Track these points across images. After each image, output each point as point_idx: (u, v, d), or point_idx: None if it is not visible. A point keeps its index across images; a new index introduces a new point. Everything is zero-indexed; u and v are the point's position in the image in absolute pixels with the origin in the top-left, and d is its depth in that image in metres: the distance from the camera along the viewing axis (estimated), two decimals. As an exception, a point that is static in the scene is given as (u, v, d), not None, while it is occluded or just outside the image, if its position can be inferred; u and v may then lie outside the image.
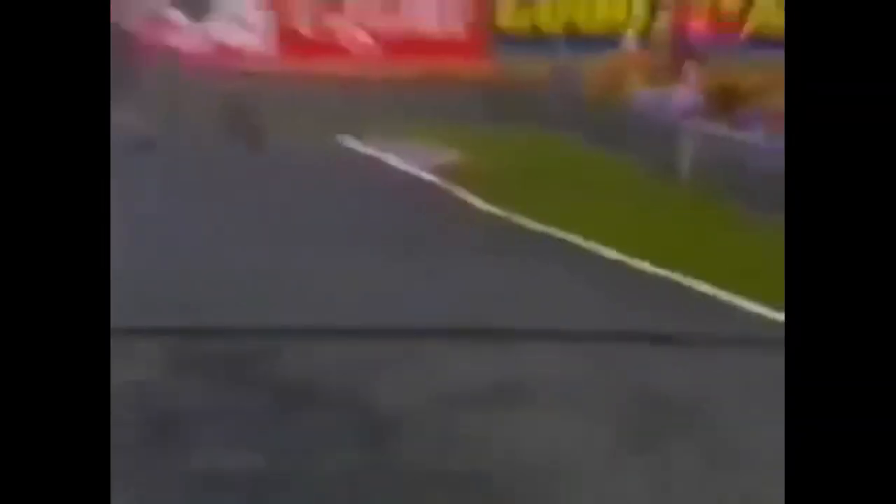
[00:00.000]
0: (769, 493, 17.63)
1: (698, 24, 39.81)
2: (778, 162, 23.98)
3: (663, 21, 39.80)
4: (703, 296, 26.91)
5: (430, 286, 27.61)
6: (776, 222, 24.25)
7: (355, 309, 25.40)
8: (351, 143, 38.82)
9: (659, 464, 18.73)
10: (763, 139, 36.80)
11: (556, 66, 40.75)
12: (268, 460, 18.96)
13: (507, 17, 41.92)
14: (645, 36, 40.49)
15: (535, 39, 42.42)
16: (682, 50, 37.81)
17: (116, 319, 15.71)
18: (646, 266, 28.70)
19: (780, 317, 24.38)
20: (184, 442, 19.36)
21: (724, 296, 26.61)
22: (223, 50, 41.79)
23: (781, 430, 14.84)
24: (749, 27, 39.77)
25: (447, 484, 18.10)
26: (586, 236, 30.58)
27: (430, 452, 19.12)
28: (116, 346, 16.17)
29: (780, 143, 28.20)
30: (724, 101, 35.80)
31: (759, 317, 25.10)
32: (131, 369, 21.85)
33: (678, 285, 27.57)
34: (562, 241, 30.71)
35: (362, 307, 25.58)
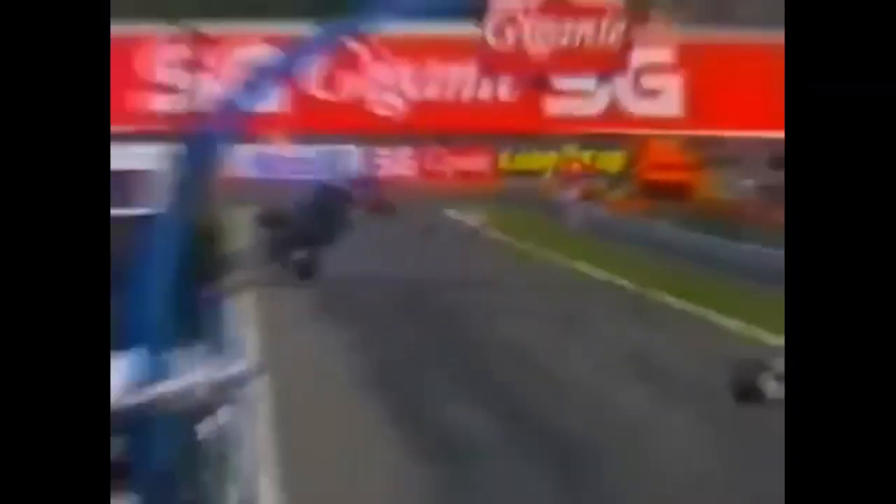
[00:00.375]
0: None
1: (573, 170, 39.54)
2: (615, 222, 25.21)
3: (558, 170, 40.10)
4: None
5: (474, 263, 27.69)
6: (622, 248, 28.69)
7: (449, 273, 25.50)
8: (449, 213, 38.35)
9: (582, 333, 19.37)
10: (607, 212, 36.43)
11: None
12: (416, 333, 19.57)
13: (504, 163, 40.92)
14: (557, 173, 40.15)
15: (515, 172, 41.76)
16: (570, 181, 37.71)
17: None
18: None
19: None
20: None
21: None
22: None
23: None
24: (595, 169, 39.82)
25: (488, 343, 18.78)
26: (538, 247, 30.63)
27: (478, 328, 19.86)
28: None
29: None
30: (587, 197, 35.56)
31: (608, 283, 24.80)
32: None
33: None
34: (522, 250, 30.90)
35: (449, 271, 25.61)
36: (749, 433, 13.21)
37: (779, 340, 15.94)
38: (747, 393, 13.41)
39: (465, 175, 40.36)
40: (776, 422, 10.10)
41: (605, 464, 12.99)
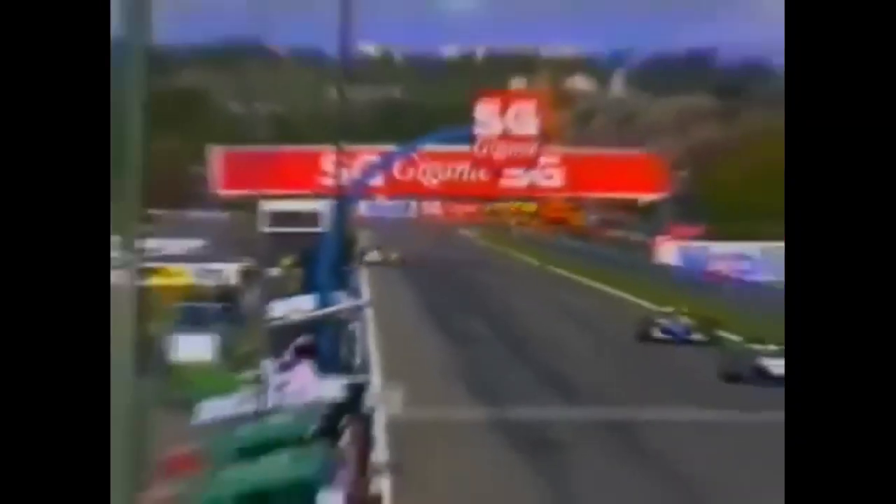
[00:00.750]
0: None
1: (515, 212, 36.10)
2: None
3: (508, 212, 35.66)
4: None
5: (478, 253, 26.27)
6: (541, 249, 25.00)
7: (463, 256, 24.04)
8: (463, 232, 34.62)
9: (529, 289, 17.96)
10: (533, 232, 31.49)
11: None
12: (447, 288, 18.01)
13: (485, 208, 39.04)
14: (508, 213, 37.03)
15: (490, 213, 39.28)
16: (513, 216, 34.72)
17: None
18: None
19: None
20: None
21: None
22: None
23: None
24: (524, 212, 36.81)
25: (484, 292, 17.54)
26: (504, 248, 28.48)
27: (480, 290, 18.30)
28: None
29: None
30: (522, 225, 33.44)
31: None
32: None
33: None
34: (497, 250, 28.55)
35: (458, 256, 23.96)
36: (638, 354, 12.49)
37: (640, 302, 15.32)
38: (645, 337, 12.66)
39: (466, 214, 40.01)
40: (656, 349, 9.10)
41: (547, 350, 12.76)
